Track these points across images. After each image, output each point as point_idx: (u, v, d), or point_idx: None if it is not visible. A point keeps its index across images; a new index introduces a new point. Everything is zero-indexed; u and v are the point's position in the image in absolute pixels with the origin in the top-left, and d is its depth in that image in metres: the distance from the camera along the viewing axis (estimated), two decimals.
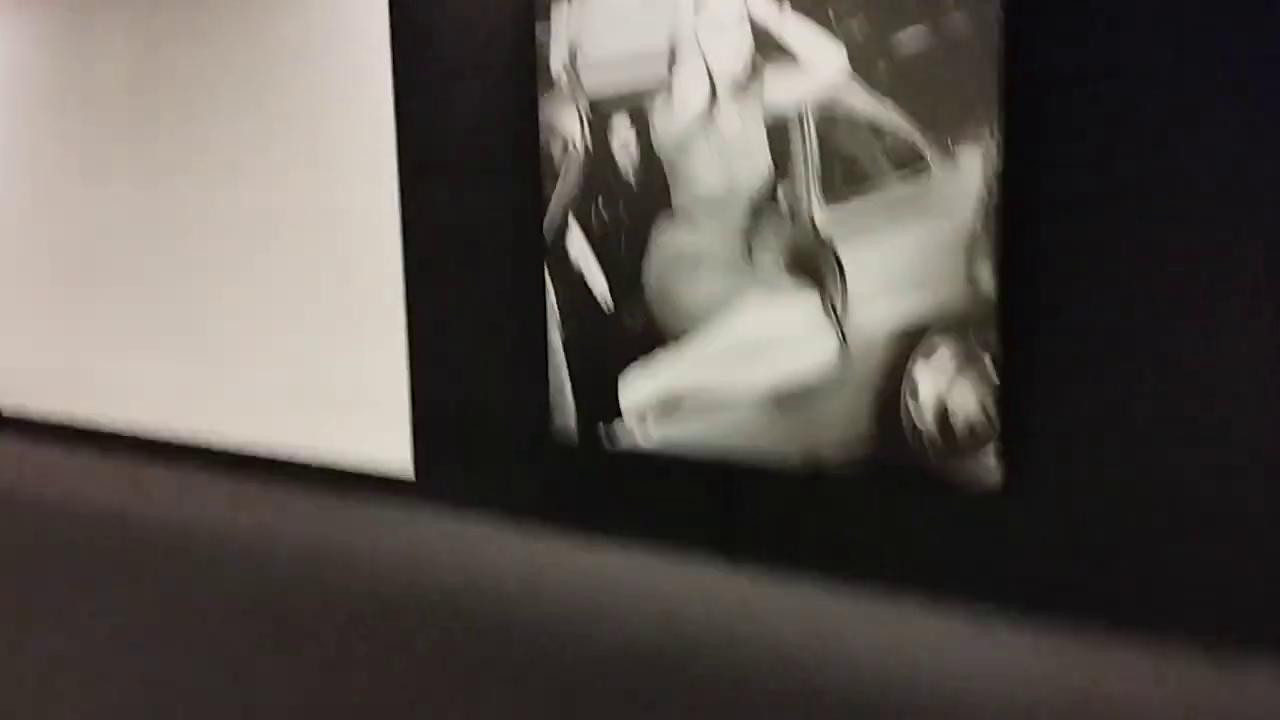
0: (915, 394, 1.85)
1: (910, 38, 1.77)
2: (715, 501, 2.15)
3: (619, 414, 2.21)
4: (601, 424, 2.24)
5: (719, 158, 2.02)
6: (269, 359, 2.83)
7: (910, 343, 1.85)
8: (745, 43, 1.95)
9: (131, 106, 3.01)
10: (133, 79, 3.00)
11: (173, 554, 2.53)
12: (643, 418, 2.18)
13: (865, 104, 1.83)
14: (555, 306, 2.27)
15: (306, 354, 2.75)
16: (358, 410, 2.66)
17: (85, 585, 2.40)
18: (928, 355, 1.83)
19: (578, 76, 2.18)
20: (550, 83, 2.22)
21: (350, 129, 2.58)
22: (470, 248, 2.43)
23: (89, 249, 3.20)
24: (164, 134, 2.95)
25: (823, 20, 1.86)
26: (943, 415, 1.83)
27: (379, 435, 2.62)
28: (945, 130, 1.76)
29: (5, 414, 3.47)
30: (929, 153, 1.79)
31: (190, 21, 2.84)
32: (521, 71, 2.27)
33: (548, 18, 2.20)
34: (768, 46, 1.93)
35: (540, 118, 2.24)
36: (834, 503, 2.01)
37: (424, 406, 2.56)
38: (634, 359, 2.17)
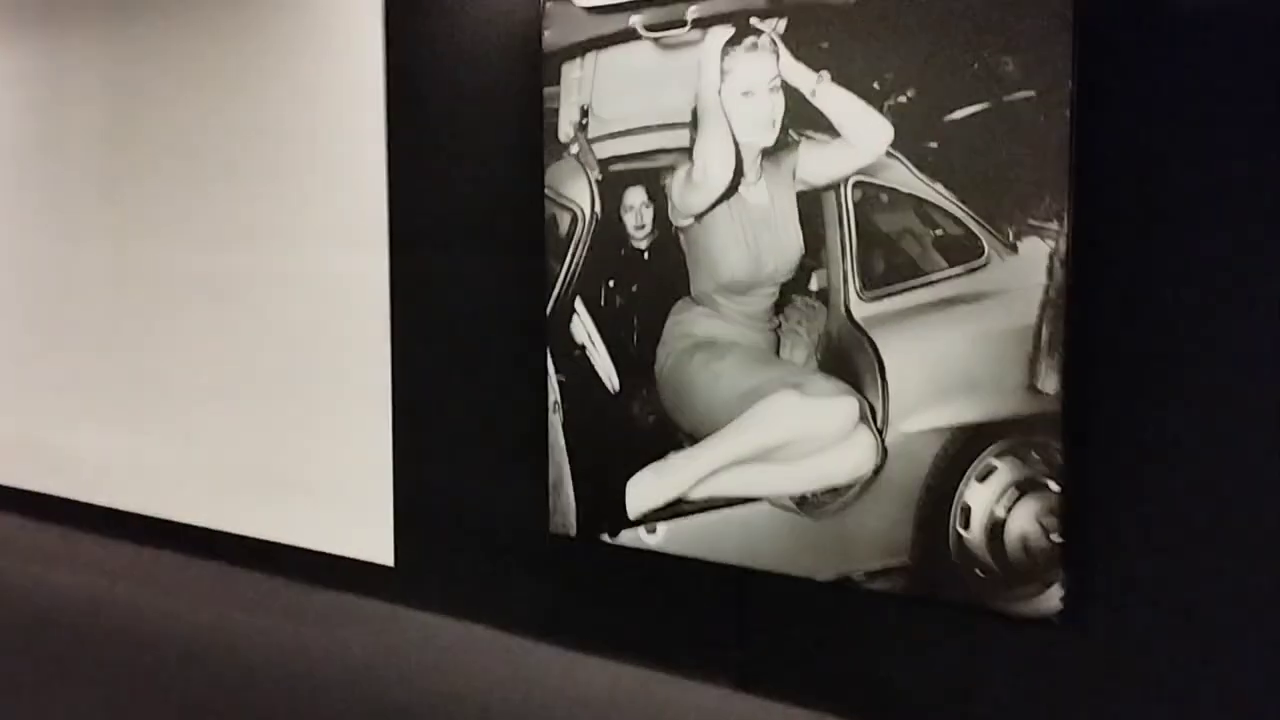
0: (965, 510, 1.64)
1: (969, 116, 1.58)
2: (730, 618, 1.93)
3: (625, 516, 1.99)
4: (605, 526, 2.02)
5: (744, 237, 1.82)
6: (240, 435, 2.61)
7: (960, 453, 1.64)
8: (777, 112, 1.76)
9: (104, 161, 2.81)
10: (107, 131, 2.80)
11: (122, 638, 2.30)
12: (652, 522, 1.96)
13: (914, 186, 1.64)
14: (557, 395, 2.06)
15: (281, 431, 2.53)
16: (335, 495, 2.43)
17: (22, 668, 2.16)
18: (980, 467, 1.62)
19: (589, 145, 1.99)
20: (558, 151, 2.03)
21: (339, 195, 2.38)
22: (465, 326, 2.22)
23: (53, 310, 2.98)
24: (138, 191, 2.75)
25: (868, 92, 1.67)
26: (996, 535, 1.62)
27: (357, 524, 2.39)
28: (1006, 219, 1.57)
29: None
30: (986, 243, 1.59)
31: (170, 74, 2.65)
32: (527, 138, 2.08)
33: (557, 82, 2.02)
34: (803, 117, 1.74)
35: (546, 189, 2.05)
36: (864, 627, 1.79)
37: (408, 496, 2.33)
38: (644, 456, 1.96)
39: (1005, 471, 1.60)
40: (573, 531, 2.06)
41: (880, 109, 1.66)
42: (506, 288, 2.14)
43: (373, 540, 2.37)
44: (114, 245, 2.82)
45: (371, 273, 2.32)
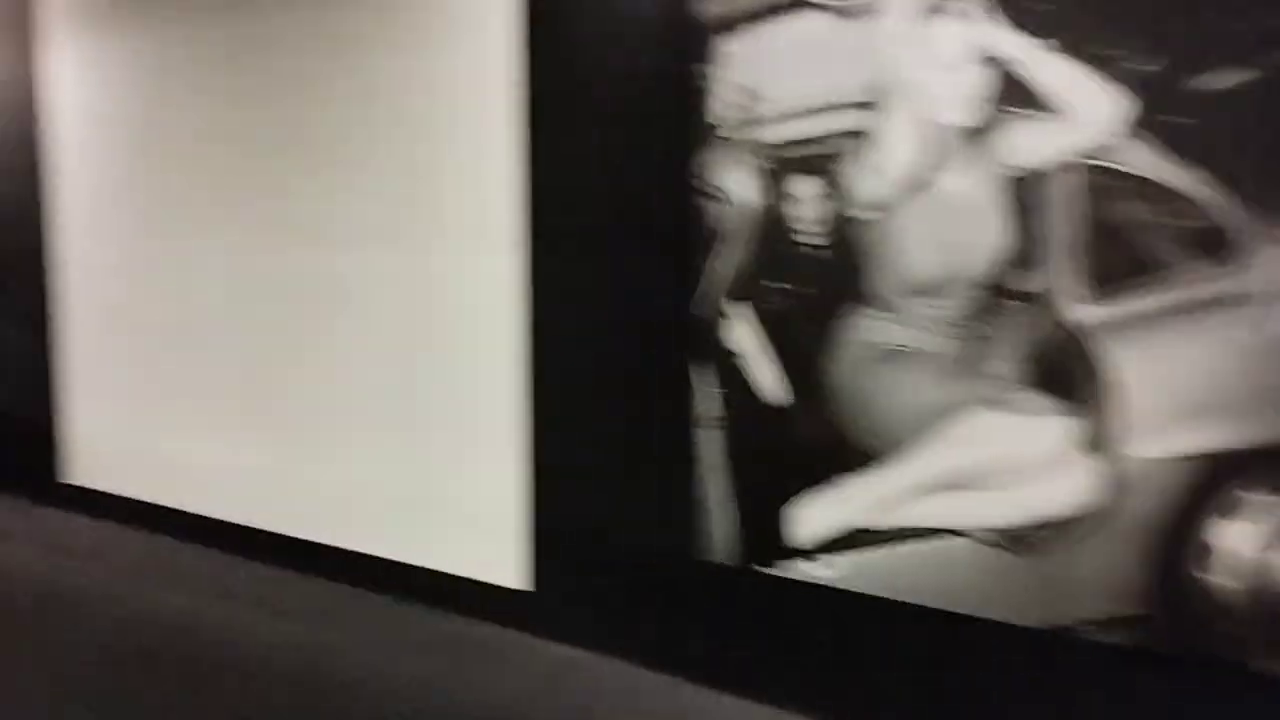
0: (1214, 551, 1.39)
1: (1226, 81, 1.33)
2: (917, 667, 1.69)
3: (790, 544, 1.77)
4: (765, 555, 1.80)
5: (938, 231, 1.59)
6: (362, 447, 2.43)
7: (1209, 484, 1.39)
8: (982, 85, 1.52)
9: (218, 158, 2.66)
10: (221, 128, 2.65)
11: (235, 662, 2.14)
12: (822, 552, 1.74)
13: (1157, 170, 1.39)
14: (710, 409, 1.85)
15: (406, 443, 2.35)
16: (464, 513, 2.25)
17: (127, 684, 2.01)
18: (1235, 502, 1.37)
19: (749, 128, 1.77)
20: (712, 137, 1.81)
21: (468, 190, 2.18)
22: (605, 332, 2.01)
23: (168, 315, 2.84)
24: (254, 189, 2.59)
25: (1103, 60, 1.42)
26: (1256, 581, 1.37)
27: (487, 545, 2.20)
28: (1272, 206, 1.31)
29: (85, 487, 3.11)
30: (1249, 236, 1.33)
31: (287, 63, 2.49)
32: (676, 123, 1.87)
33: (712, 58, 1.80)
34: (1015, 90, 1.50)
35: (697, 178, 1.83)
36: (1085, 685, 1.54)
37: (543, 516, 2.13)
38: (813, 478, 1.74)
39: (1267, 505, 1.34)
40: (727, 559, 1.85)
41: (1117, 80, 1.41)
42: (651, 289, 1.93)
43: (504, 563, 2.18)
44: (230, 247, 2.67)
45: (502, 274, 2.13)
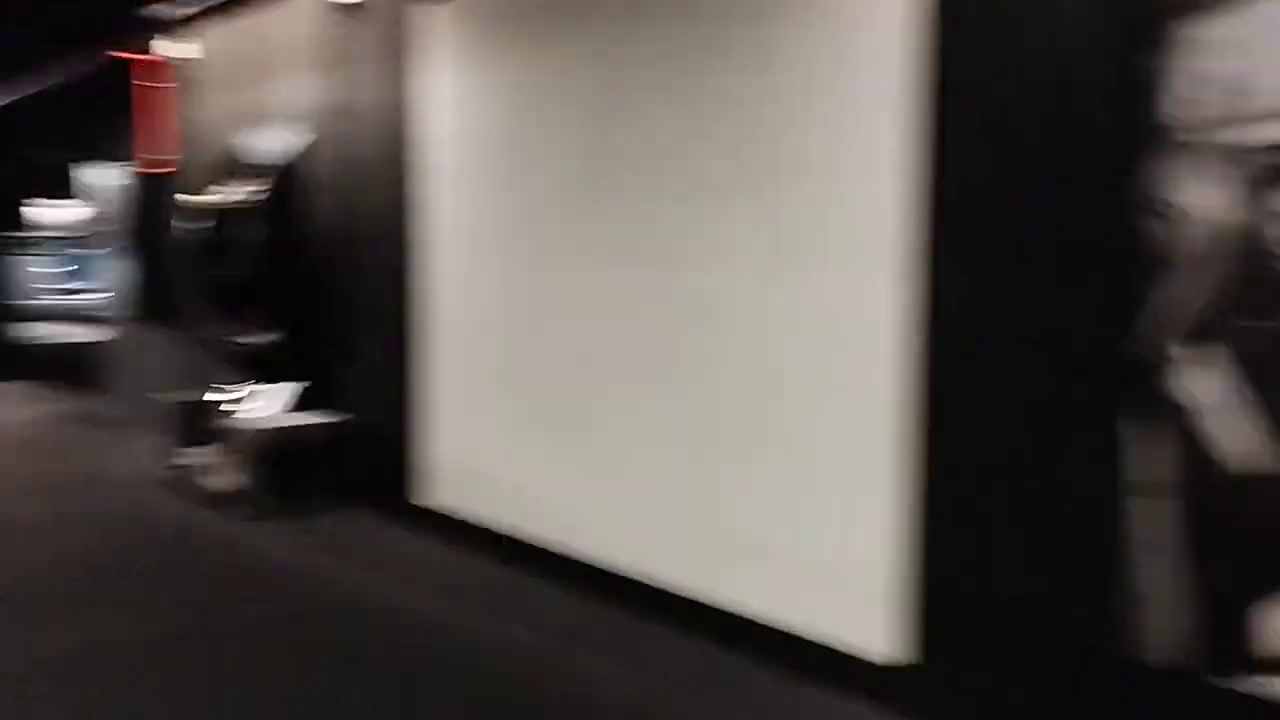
0: None
1: None
2: None
3: (1265, 656, 1.39)
4: (1224, 664, 1.43)
5: None
6: (721, 488, 2.24)
7: None
8: None
9: (587, 181, 2.57)
10: (591, 149, 2.55)
11: (572, 705, 1.98)
12: None
13: None
14: (1149, 472, 1.50)
15: (768, 489, 2.12)
16: (830, 573, 2.00)
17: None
18: None
19: (1221, 129, 1.43)
20: (1166, 140, 1.48)
21: (849, 207, 1.94)
22: (1014, 368, 1.71)
23: (529, 340, 2.77)
24: (623, 213, 2.46)
25: None
26: None
27: (856, 611, 1.94)
28: None
29: (435, 510, 3.10)
30: None
31: (659, 86, 2.35)
32: (1117, 124, 1.56)
33: (1168, 46, 1.47)
34: None
35: (1143, 190, 1.50)
36: None
37: (928, 585, 1.84)
38: None
39: None
40: (1170, 663, 1.50)
41: None
42: (1076, 322, 1.63)
43: (876, 631, 1.91)
44: (594, 274, 2.56)
45: (888, 299, 1.86)
